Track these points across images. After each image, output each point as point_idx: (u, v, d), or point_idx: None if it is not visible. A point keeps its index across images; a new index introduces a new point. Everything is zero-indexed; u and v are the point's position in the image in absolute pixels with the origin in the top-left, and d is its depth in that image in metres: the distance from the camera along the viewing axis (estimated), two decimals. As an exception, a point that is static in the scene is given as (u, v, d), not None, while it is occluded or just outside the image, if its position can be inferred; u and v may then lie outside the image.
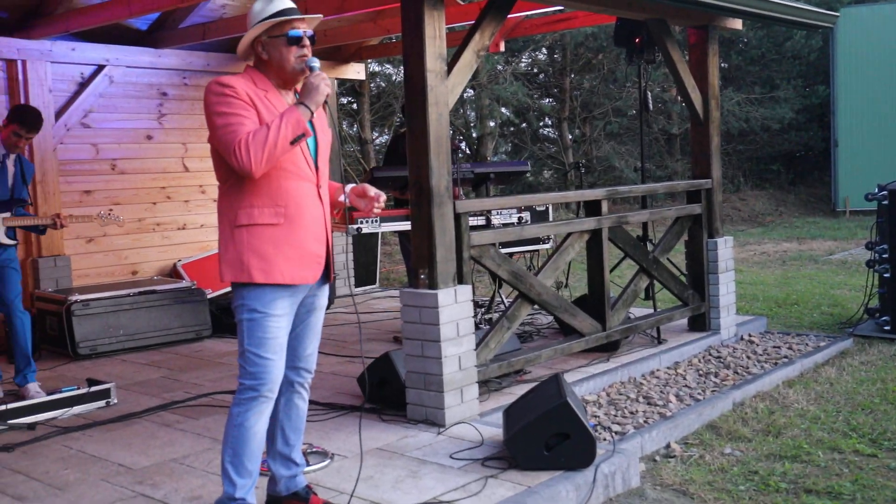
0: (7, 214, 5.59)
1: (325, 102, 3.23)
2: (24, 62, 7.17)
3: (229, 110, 3.11)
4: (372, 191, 3.42)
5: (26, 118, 5.55)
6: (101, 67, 7.70)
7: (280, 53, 3.25)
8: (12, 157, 5.67)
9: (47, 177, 7.28)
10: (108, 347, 6.85)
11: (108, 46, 7.69)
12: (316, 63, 3.26)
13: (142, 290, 7.14)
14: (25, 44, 7.14)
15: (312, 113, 3.16)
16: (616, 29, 6.71)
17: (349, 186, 3.49)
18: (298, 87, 3.35)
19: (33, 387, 5.54)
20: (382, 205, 3.42)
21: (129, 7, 6.20)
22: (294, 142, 3.11)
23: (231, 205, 3.24)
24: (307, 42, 3.27)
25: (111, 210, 5.70)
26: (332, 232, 3.50)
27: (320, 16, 3.42)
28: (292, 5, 3.32)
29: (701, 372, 5.96)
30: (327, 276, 3.41)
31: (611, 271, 6.04)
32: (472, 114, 19.79)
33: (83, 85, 7.64)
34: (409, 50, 4.56)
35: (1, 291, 5.58)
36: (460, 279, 4.80)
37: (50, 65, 7.34)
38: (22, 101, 7.15)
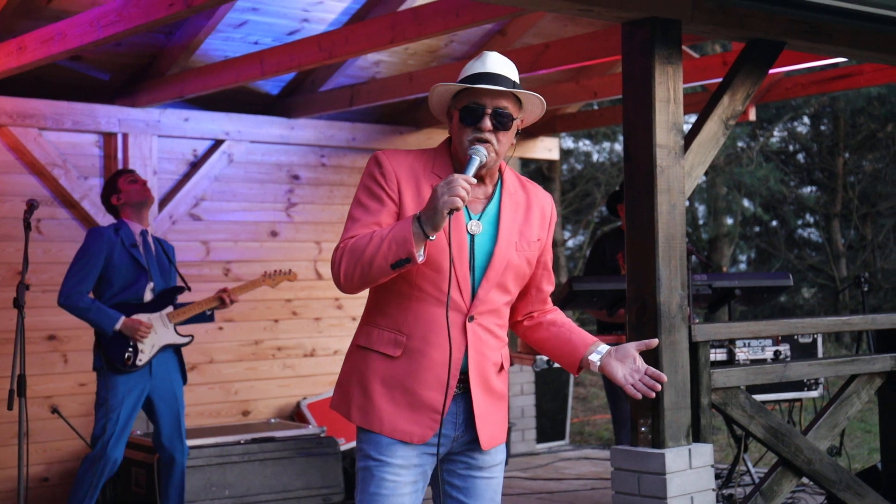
0: (170, 309, 6.17)
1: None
2: (125, 136, 7.73)
3: (363, 197, 3.22)
4: (639, 358, 3.33)
5: (121, 169, 6.59)
6: (218, 143, 8.20)
7: (454, 130, 3.28)
8: (151, 236, 6.33)
9: (144, 283, 7.73)
10: (210, 513, 7.08)
11: (229, 115, 8.21)
12: (478, 157, 3.15)
13: (255, 436, 7.36)
14: (129, 113, 7.72)
15: (427, 237, 3.04)
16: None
17: (605, 348, 3.36)
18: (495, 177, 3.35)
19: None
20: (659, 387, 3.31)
21: (262, 65, 6.61)
22: (396, 266, 3.05)
23: (363, 315, 3.36)
24: (487, 124, 3.19)
25: (277, 270, 6.58)
26: (510, 364, 3.47)
27: (538, 97, 3.33)
28: (499, 72, 3.27)
29: None
30: (476, 440, 3.28)
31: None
32: (702, 207, 19.74)
33: (195, 165, 8.15)
34: (631, 118, 4.65)
35: (157, 423, 6.19)
36: (696, 435, 4.74)
37: (157, 139, 7.89)
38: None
